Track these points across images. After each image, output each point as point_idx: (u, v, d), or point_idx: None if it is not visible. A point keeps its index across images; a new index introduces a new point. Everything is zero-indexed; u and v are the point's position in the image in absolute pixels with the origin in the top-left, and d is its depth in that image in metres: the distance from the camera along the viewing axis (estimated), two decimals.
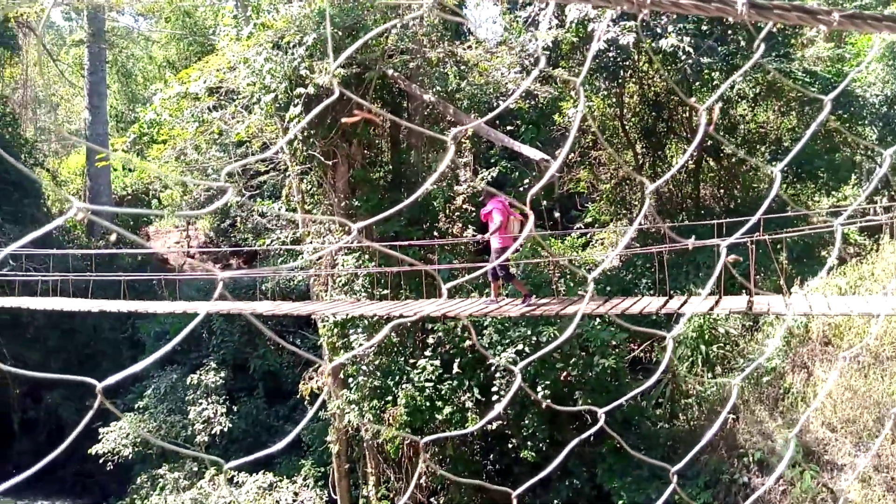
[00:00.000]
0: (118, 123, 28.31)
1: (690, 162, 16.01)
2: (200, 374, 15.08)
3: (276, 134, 12.64)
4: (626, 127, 15.57)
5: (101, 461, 14.29)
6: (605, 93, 15.31)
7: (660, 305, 8.46)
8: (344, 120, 10.54)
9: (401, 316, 9.74)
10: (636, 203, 15.89)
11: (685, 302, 8.78)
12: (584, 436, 1.80)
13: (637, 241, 14.11)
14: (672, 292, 9.91)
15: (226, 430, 14.24)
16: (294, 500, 12.76)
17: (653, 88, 15.83)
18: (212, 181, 13.39)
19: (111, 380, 1.11)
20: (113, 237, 22.60)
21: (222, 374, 15.41)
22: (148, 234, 25.32)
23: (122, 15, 28.50)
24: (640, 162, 15.82)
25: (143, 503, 12.72)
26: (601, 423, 1.48)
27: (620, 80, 15.18)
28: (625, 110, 15.68)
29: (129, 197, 26.16)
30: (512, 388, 1.43)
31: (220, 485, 12.44)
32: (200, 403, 14.43)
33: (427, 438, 1.47)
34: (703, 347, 11.51)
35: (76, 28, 28.96)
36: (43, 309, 12.95)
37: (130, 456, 14.20)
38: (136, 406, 15.21)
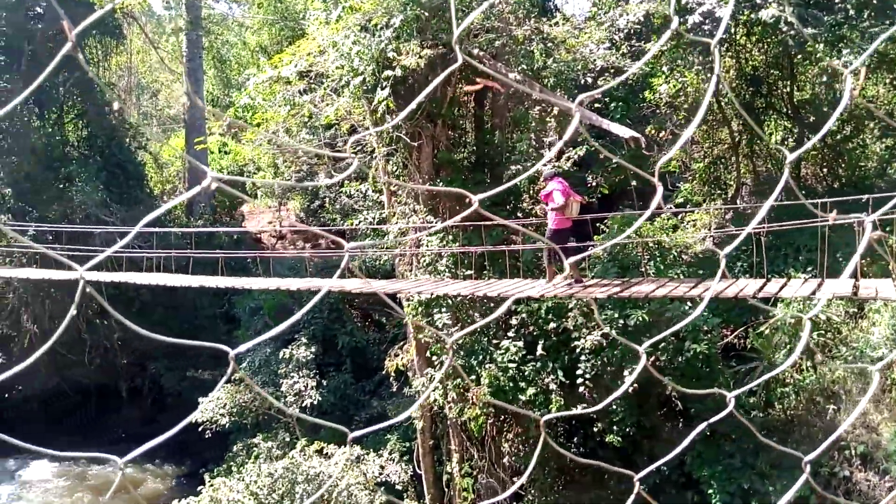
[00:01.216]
0: (214, 107, 29.47)
1: (791, 139, 15.15)
2: (292, 349, 15.65)
3: (364, 116, 12.82)
4: (722, 104, 14.89)
5: (199, 429, 15.12)
6: (700, 68, 14.67)
7: (757, 289, 8.09)
8: (467, 88, 10.57)
9: (499, 297, 9.75)
10: (731, 183, 15.22)
11: (784, 285, 8.37)
12: (716, 417, 1.74)
13: (733, 222, 13.54)
14: (769, 276, 9.47)
15: (315, 402, 14.74)
16: (380, 474, 13.09)
17: (750, 62, 15.05)
18: (336, 153, 13.77)
19: (242, 348, 1.20)
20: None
21: (312, 350, 15.93)
22: (243, 214, 26.37)
23: (217, 2, 29.55)
24: (737, 140, 15.11)
25: (238, 470, 13.35)
26: (730, 407, 1.44)
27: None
28: (720, 86, 14.97)
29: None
30: (637, 369, 1.36)
31: (311, 455, 12.89)
32: (292, 377, 14.99)
33: (548, 416, 1.46)
34: (802, 334, 10.96)
35: (175, 16, 30.27)
36: (148, 284, 13.73)
37: (227, 425, 14.93)
38: (233, 378, 15.94)
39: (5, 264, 20.00)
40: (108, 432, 21.25)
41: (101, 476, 19.90)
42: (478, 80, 10.43)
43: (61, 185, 20.75)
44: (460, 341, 12.03)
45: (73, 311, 1.10)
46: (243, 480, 12.42)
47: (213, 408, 14.45)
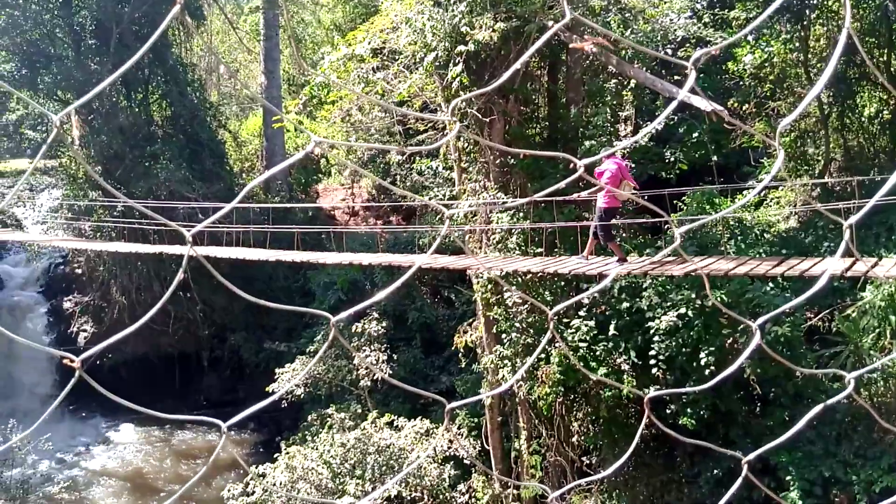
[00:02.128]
0: (290, 87, 30.08)
1: (886, 111, 14.22)
2: (364, 323, 15.94)
3: (436, 93, 12.79)
4: (811, 74, 14.09)
5: (277, 399, 15.65)
6: (787, 37, 13.91)
7: (845, 268, 7.67)
8: (572, 45, 10.41)
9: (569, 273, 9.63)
10: (819, 158, 14.44)
11: (875, 264, 7.90)
12: (834, 399, 1.64)
13: (819, 199, 12.86)
14: (859, 256, 8.96)
15: (386, 376, 14.98)
16: (448, 448, 13.24)
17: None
18: (432, 116, 13.90)
19: (343, 315, 1.22)
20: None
21: (384, 324, 16.19)
22: (317, 191, 26.91)
23: None
24: (826, 112, 14.29)
25: (312, 439, 13.78)
26: (849, 389, 1.35)
27: (805, 23, 13.72)
28: (809, 55, 14.18)
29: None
30: (749, 347, 1.28)
31: (381, 427, 13.16)
32: (364, 350, 15.28)
33: (653, 394, 1.40)
34: (892, 318, 10.34)
35: None
36: (227, 257, 14.22)
37: (302, 395, 15.40)
38: (307, 350, 16.42)
39: (97, 238, 21.12)
40: (191, 400, 22.31)
41: (183, 441, 20.93)
42: (585, 37, 10.24)
43: (147, 163, 21.67)
44: (529, 319, 11.96)
45: (180, 275, 1.14)
46: (317, 449, 12.82)
47: (288, 378, 14.91)
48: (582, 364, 10.97)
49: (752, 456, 1.29)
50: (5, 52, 21.77)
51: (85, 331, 22.92)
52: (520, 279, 11.61)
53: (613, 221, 10.33)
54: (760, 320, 1.32)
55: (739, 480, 1.32)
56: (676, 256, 9.68)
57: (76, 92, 21.56)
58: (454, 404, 1.38)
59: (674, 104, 1.37)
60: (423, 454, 12.45)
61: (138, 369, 21.55)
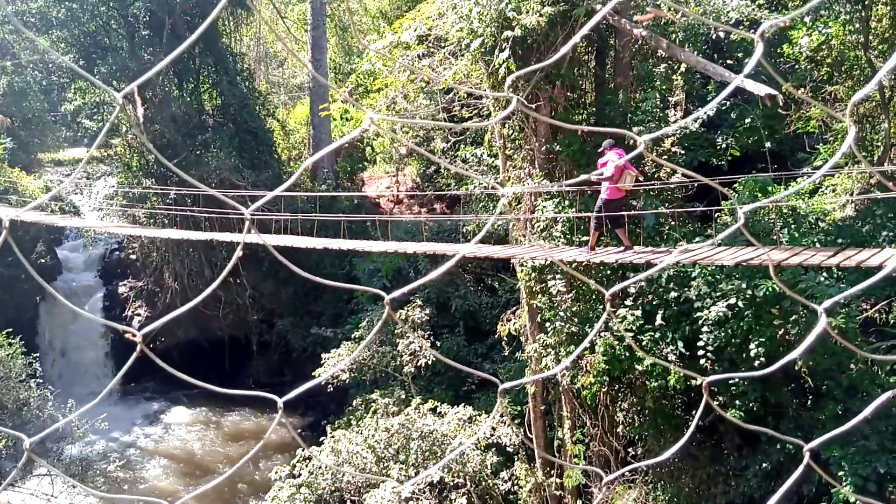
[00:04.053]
0: (336, 75, 30.30)
1: None
2: (408, 311, 16.05)
3: (482, 79, 12.72)
4: (872, 57, 13.52)
5: (322, 383, 15.92)
6: (847, 17, 13.36)
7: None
8: (636, 18, 10.34)
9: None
10: (879, 144, 13.89)
11: None
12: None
13: (879, 187, 12.38)
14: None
15: (430, 363, 15.09)
16: (491, 435, 13.28)
17: None
18: (495, 94, 13.94)
19: (397, 293, 1.28)
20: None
21: (427, 311, 16.28)
22: (363, 179, 27.12)
23: None
24: (888, 97, 13.71)
25: (357, 423, 13.99)
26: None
27: (867, 2, 13.15)
28: (871, 37, 13.60)
29: (346, 145, 28.10)
30: (814, 332, 1.21)
31: (425, 413, 13.27)
32: (408, 337, 15.41)
33: (712, 378, 1.37)
34: None
35: None
36: (274, 245, 14.47)
37: (347, 381, 15.63)
38: (353, 336, 16.63)
39: (150, 225, 21.73)
40: (240, 383, 22.86)
41: (233, 423, 21.49)
42: (649, 9, 10.14)
43: (198, 152, 22.16)
44: (574, 308, 11.86)
45: (238, 253, 1.17)
46: (361, 434, 13.01)
47: (334, 363, 15.14)
48: (628, 354, 10.84)
49: (814, 444, 1.25)
50: (64, 44, 22.47)
51: (139, 314, 23.68)
52: (565, 268, 11.52)
53: (623, 212, 10.46)
54: (826, 304, 1.26)
55: (801, 468, 1.29)
56: (724, 246, 9.47)
57: (130, 82, 22.13)
58: (507, 384, 1.38)
59: (741, 77, 1.33)
60: (467, 440, 12.52)
61: (190, 352, 22.18)
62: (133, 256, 24.72)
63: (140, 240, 23.08)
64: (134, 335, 1.15)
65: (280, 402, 1.28)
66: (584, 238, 11.52)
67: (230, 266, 1.28)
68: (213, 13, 1.17)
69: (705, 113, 11.46)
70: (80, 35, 22.58)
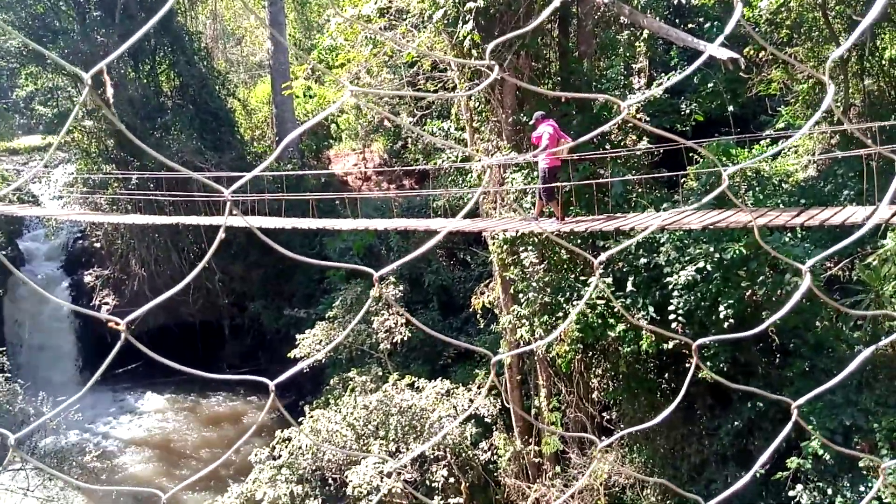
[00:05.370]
0: (297, 51, 29.76)
1: None
2: (381, 287, 16.00)
3: (445, 51, 12.60)
4: (830, 17, 13.71)
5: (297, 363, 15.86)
6: None
7: (867, 215, 7.57)
8: None
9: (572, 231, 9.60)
10: (839, 104, 14.14)
11: None
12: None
13: (839, 147, 12.64)
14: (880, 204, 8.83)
15: (405, 339, 15.12)
16: (469, 406, 13.40)
17: None
18: (476, 62, 13.77)
19: (386, 270, 1.27)
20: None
21: (401, 288, 16.26)
22: (329, 157, 26.83)
23: None
24: (846, 57, 13.94)
25: (335, 402, 14.00)
26: None
27: None
28: None
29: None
30: (799, 290, 1.21)
31: (402, 388, 13.33)
32: (382, 314, 15.39)
33: (701, 340, 1.38)
34: None
35: None
36: (249, 227, 14.26)
37: (323, 360, 15.59)
38: (327, 315, 16.56)
39: (113, 211, 21.27)
40: (214, 368, 22.64)
41: (209, 408, 21.37)
42: None
43: (158, 135, 21.66)
44: (546, 278, 11.95)
45: (221, 235, 1.15)
46: (340, 412, 13.02)
47: (309, 344, 15.08)
48: (601, 321, 10.99)
49: (801, 401, 1.28)
50: (11, 27, 21.67)
51: (107, 303, 23.26)
52: (535, 239, 11.58)
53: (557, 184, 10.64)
54: (810, 262, 1.28)
55: (790, 425, 1.32)
56: (696, 209, 9.59)
57: (84, 65, 21.45)
58: (500, 356, 1.39)
59: (720, 39, 1.32)
60: (456, 418, 12.61)
61: (161, 339, 21.86)
62: (97, 244, 24.21)
63: (104, 227, 22.59)
64: (118, 323, 1.12)
65: (272, 385, 1.26)
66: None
67: (213, 248, 1.25)
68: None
69: (684, 76, 11.48)
70: (28, 18, 21.80)
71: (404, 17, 12.50)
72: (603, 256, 1.26)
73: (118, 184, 21.20)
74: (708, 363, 10.58)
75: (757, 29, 14.34)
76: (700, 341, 1.33)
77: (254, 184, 18.13)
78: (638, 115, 12.87)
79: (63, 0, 22.13)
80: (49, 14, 21.99)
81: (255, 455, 12.90)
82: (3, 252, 22.08)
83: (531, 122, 10.85)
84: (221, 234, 1.14)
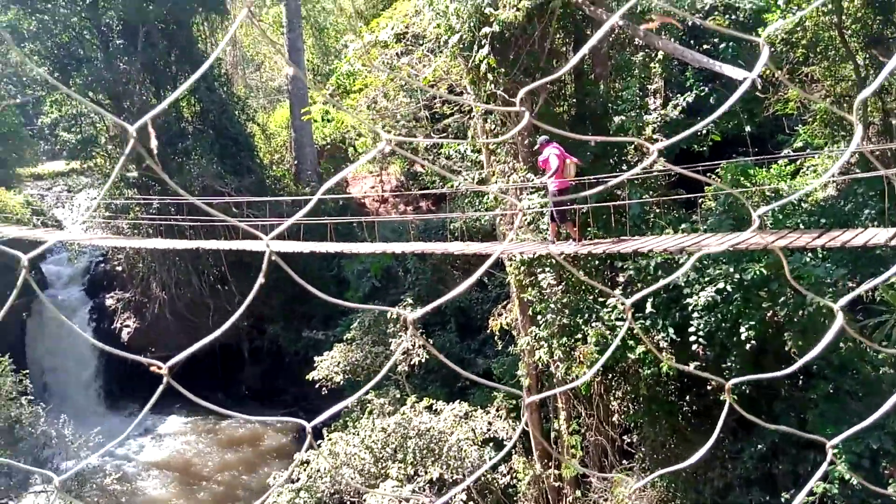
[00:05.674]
0: (315, 76, 30.17)
1: None
2: (399, 309, 16.05)
3: (461, 75, 12.73)
4: (846, 36, 13.68)
5: (316, 386, 15.88)
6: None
7: (889, 237, 7.49)
8: (643, 26, 10.45)
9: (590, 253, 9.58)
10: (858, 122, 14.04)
11: None
12: None
13: (858, 166, 12.54)
14: None
15: (423, 361, 15.10)
16: (488, 430, 13.32)
17: None
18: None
19: (420, 312, 1.35)
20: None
21: (418, 310, 16.29)
22: (346, 180, 27.05)
23: None
24: (863, 75, 13.87)
25: (353, 425, 13.98)
26: None
27: None
28: (844, 16, 13.75)
29: (329, 146, 28.01)
30: (831, 330, 1.19)
31: (420, 411, 13.29)
32: (400, 336, 15.41)
33: (734, 381, 1.37)
34: None
35: None
36: (261, 251, 14.37)
37: (341, 382, 15.60)
38: (345, 338, 16.60)
39: (135, 235, 21.54)
40: (233, 390, 22.77)
41: (228, 431, 21.41)
42: (653, 16, 10.26)
43: (180, 159, 21.98)
44: (564, 300, 11.92)
45: (261, 279, 1.18)
46: (358, 435, 13.01)
47: (327, 366, 15.11)
48: (620, 343, 10.92)
49: (837, 440, 1.28)
50: (37, 57, 22.19)
51: (128, 326, 23.50)
52: (552, 260, 11.57)
53: (569, 206, 10.70)
54: (842, 301, 1.29)
55: (825, 466, 1.32)
56: (711, 232, 9.55)
57: (107, 92, 21.92)
58: (532, 398, 1.41)
59: (747, 83, 1.35)
60: (487, 459, 12.52)
61: (182, 362, 22.01)
62: (119, 268, 24.51)
63: (125, 251, 22.88)
64: (160, 367, 1.16)
65: (309, 427, 1.29)
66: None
67: (253, 293, 1.28)
68: (231, 27, 1.17)
69: (684, 99, 11.53)
70: (54, 47, 22.31)
71: (420, 42, 12.67)
72: (632, 299, 1.27)
73: (140, 208, 21.50)
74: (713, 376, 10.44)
75: (773, 49, 14.33)
76: (733, 381, 1.33)
77: (273, 208, 18.32)
78: (654, 136, 12.87)
79: (87, 29, 22.64)
80: (73, 43, 22.51)
81: (274, 478, 12.90)
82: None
83: (536, 147, 10.92)
84: (261, 280, 1.17)
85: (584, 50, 1.34)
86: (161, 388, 1.18)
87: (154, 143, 1.06)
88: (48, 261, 25.13)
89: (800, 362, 1.44)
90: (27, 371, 17.11)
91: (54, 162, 29.84)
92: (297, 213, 1.34)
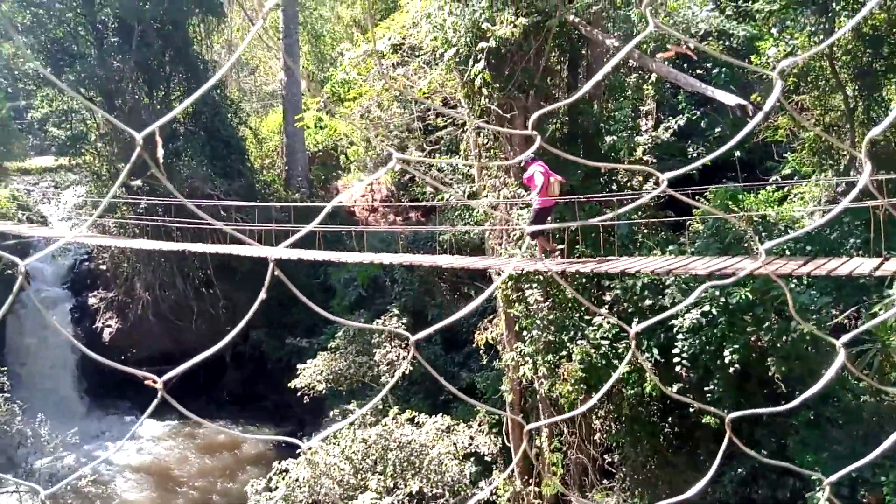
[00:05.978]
0: (310, 82, 30.16)
1: None
2: (384, 320, 16.01)
3: (456, 89, 12.78)
4: (836, 67, 13.88)
5: (298, 394, 15.76)
6: (812, 29, 13.70)
7: (873, 267, 7.57)
8: (659, 55, 10.53)
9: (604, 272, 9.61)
10: (845, 153, 14.24)
11: None
12: None
13: (845, 194, 12.67)
14: (887, 254, 8.84)
15: (407, 372, 15.05)
16: (469, 444, 13.27)
17: (870, 21, 13.90)
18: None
19: (423, 334, 1.32)
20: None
21: (404, 321, 16.24)
22: (337, 188, 27.01)
23: None
24: (852, 106, 14.08)
25: (334, 435, 13.88)
26: None
27: (830, 14, 13.49)
28: (835, 48, 13.96)
29: (320, 153, 27.98)
30: (833, 366, 1.16)
31: (402, 423, 13.22)
32: (384, 347, 15.35)
33: (734, 415, 1.37)
34: None
35: None
36: (249, 256, 14.31)
37: (324, 391, 15.50)
38: (329, 346, 16.52)
39: (121, 235, 21.37)
40: (214, 395, 22.55)
41: (207, 436, 21.18)
42: (669, 46, 10.36)
43: (169, 160, 21.84)
44: (550, 316, 11.93)
45: (263, 295, 1.17)
46: (339, 445, 12.90)
47: (310, 374, 15.02)
48: (604, 362, 10.93)
49: (834, 478, 1.28)
50: (31, 51, 22.06)
51: (109, 326, 23.25)
52: (541, 276, 11.59)
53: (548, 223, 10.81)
54: (844, 339, 1.29)
55: (823, 502, 1.32)
56: (688, 256, 9.61)
57: (99, 89, 21.79)
58: (533, 425, 1.40)
59: (759, 116, 1.36)
60: (443, 450, 12.46)
61: (162, 365, 21.78)
62: (103, 267, 24.27)
63: (110, 250, 22.67)
64: (154, 381, 1.14)
65: (304, 446, 1.27)
66: (560, 246, 11.62)
67: (253, 310, 1.27)
68: (247, 38, 1.16)
69: (675, 122, 11.59)
70: (47, 41, 22.17)
71: (417, 53, 12.71)
72: (638, 327, 1.27)
73: (127, 207, 21.34)
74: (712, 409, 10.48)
75: (765, 77, 14.52)
76: (733, 415, 1.33)
77: (262, 213, 18.25)
78: (645, 157, 12.96)
79: (82, 25, 22.53)
80: (67, 38, 22.39)
81: (252, 486, 12.77)
82: (9, 271, 22.15)
83: (521, 164, 10.98)
84: (263, 295, 1.16)
85: (599, 76, 1.36)
86: (155, 402, 1.16)
87: (161, 153, 1.05)
88: (31, 256, 24.82)
89: (802, 397, 1.45)
90: (4, 368, 16.88)
91: (42, 157, 29.58)
92: (312, 223, 1.33)
